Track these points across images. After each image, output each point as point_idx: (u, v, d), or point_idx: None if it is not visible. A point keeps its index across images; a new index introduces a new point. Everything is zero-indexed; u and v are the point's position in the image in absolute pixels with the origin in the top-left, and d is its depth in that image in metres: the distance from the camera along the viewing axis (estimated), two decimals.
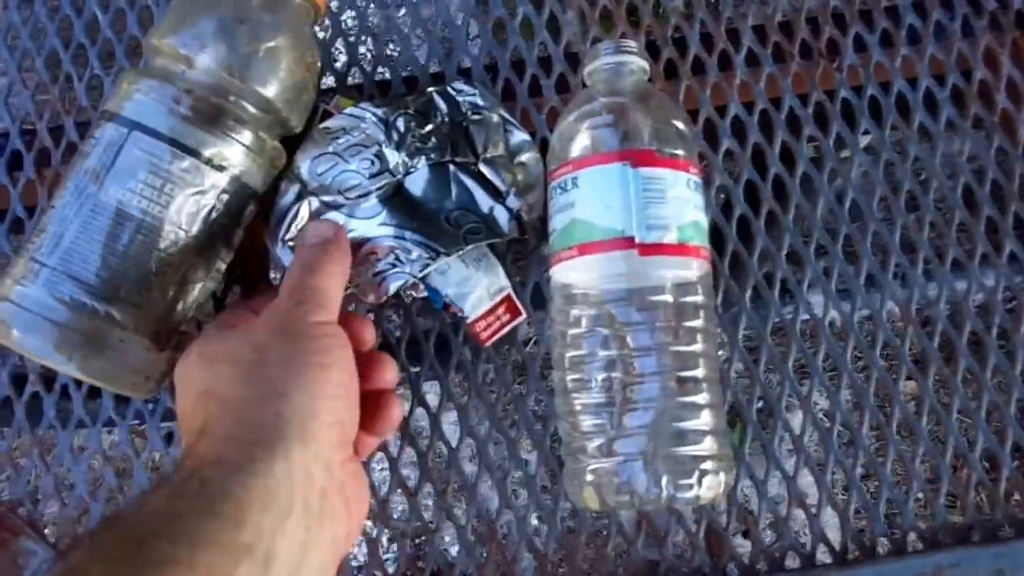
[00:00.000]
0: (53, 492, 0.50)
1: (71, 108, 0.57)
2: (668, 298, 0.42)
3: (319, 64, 0.49)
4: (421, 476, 0.50)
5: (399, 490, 0.50)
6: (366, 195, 0.47)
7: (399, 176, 0.48)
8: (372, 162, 0.49)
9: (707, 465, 0.41)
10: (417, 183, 0.49)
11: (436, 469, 0.51)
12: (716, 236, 0.51)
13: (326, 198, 0.47)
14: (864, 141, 0.55)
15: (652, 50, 0.56)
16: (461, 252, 0.47)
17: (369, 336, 0.45)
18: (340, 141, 0.49)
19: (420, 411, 0.51)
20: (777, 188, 0.53)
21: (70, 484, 0.50)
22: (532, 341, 0.53)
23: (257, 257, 0.48)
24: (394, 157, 0.49)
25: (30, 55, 0.60)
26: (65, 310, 0.41)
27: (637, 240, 0.41)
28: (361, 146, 0.49)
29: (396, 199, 0.48)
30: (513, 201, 0.49)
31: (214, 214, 0.45)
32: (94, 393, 0.52)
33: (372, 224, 0.47)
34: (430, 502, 0.50)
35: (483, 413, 0.50)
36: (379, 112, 0.50)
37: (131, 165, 0.43)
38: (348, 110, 0.50)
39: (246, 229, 0.47)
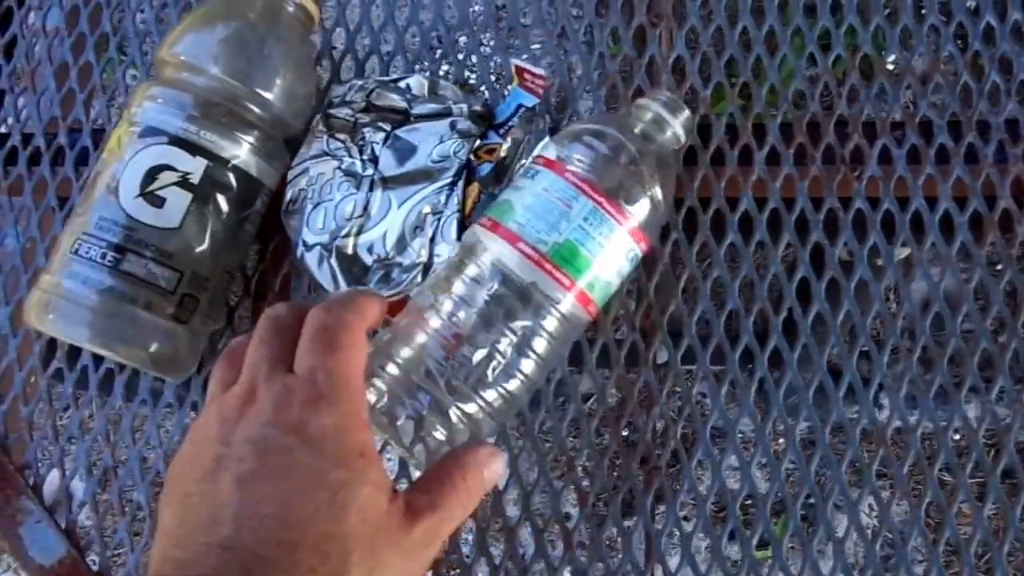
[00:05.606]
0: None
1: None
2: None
3: (315, 67, 0.56)
4: None
5: None
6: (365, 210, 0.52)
7: (372, 172, 0.52)
8: (347, 181, 0.53)
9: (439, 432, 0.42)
10: (387, 161, 0.52)
11: (481, 508, 0.52)
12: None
13: (344, 234, 0.52)
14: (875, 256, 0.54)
15: None
16: None
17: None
18: (309, 194, 0.53)
19: None
20: (772, 289, 0.53)
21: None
22: (592, 398, 0.55)
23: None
24: (355, 160, 0.53)
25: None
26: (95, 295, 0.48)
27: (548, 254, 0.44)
28: (328, 181, 0.53)
29: (386, 182, 0.52)
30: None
31: (227, 208, 0.51)
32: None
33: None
34: (471, 537, 0.51)
35: (534, 461, 0.53)
36: (313, 152, 0.54)
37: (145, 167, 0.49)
38: (291, 174, 0.54)
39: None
